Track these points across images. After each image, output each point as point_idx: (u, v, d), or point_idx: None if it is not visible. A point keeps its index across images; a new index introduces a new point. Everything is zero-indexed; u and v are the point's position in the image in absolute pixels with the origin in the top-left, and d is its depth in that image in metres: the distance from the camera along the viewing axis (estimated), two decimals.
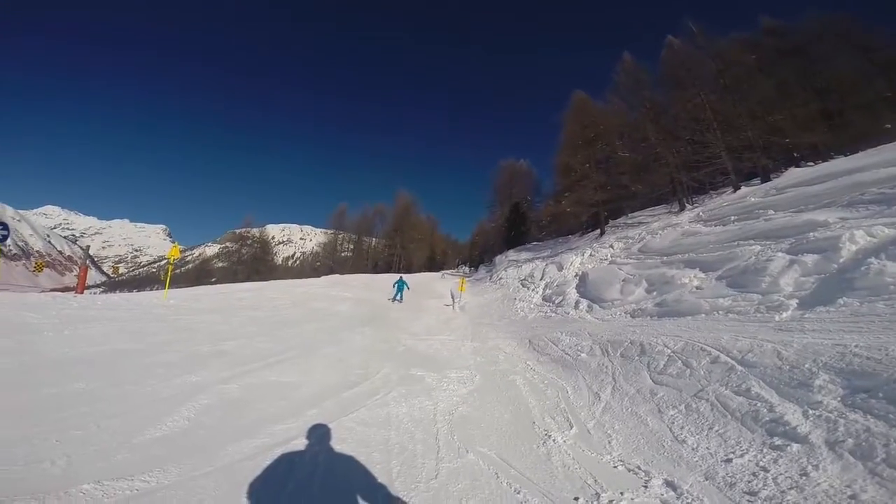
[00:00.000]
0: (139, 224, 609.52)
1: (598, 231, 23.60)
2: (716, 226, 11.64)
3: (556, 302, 12.67)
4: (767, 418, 3.22)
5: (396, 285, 17.61)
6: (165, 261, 15.08)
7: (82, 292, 12.13)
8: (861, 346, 3.53)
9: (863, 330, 4.15)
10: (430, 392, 5.10)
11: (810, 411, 3.08)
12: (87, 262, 17.73)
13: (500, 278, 21.54)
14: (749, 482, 2.66)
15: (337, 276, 32.88)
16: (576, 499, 2.71)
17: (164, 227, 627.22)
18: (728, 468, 2.87)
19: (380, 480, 2.85)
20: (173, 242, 15.25)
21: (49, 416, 3.16)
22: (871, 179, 8.27)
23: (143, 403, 3.68)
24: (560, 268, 16.73)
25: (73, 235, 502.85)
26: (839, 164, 12.12)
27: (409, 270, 50.97)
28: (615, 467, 3.18)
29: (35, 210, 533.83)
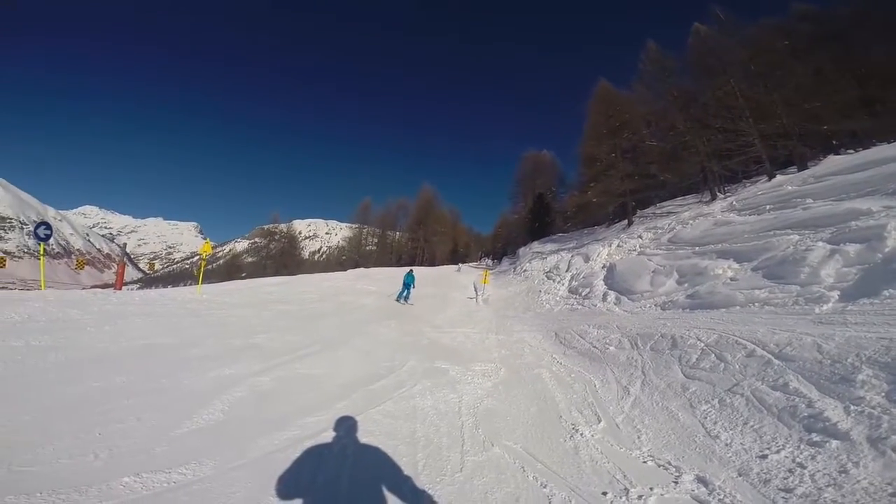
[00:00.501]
0: (172, 222, 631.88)
1: (626, 221, 23.12)
2: (750, 215, 11.24)
3: (583, 294, 12.49)
4: (806, 414, 3.12)
5: (404, 280, 14.89)
6: (198, 257, 15.55)
7: (121, 288, 12.64)
8: None
9: None
10: (454, 385, 5.12)
11: (852, 407, 2.97)
12: (125, 259, 18.45)
13: (525, 270, 21.37)
14: (785, 479, 2.59)
15: (362, 269, 33.27)
16: (604, 493, 2.67)
17: (195, 224, 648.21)
18: (763, 464, 2.79)
19: (406, 473, 2.88)
20: (205, 239, 15.67)
21: (94, 409, 3.30)
22: None
23: (179, 396, 3.81)
24: (587, 259, 16.47)
25: (111, 234, 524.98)
26: (882, 151, 11.51)
27: (432, 263, 51.19)
28: (645, 462, 3.13)
29: (74, 210, 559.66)
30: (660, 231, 15.24)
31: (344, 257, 64.96)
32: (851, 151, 17.43)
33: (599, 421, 3.97)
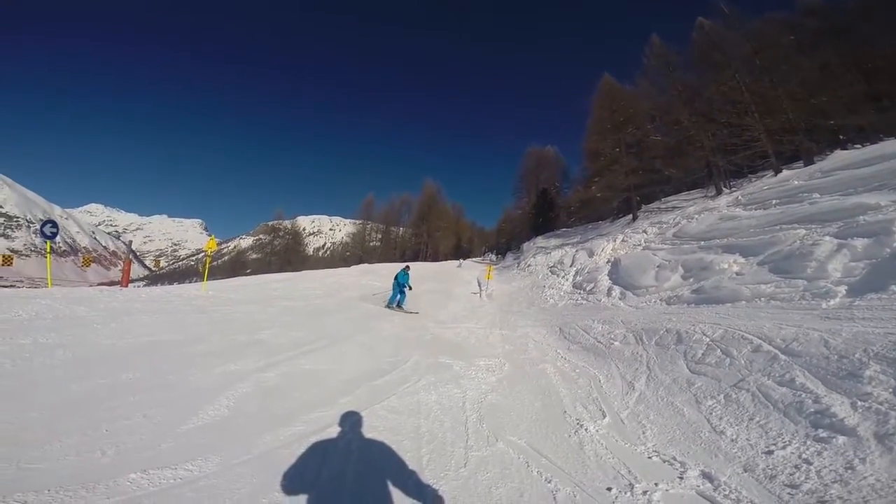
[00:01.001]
0: (177, 219, 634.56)
1: (631, 216, 23.01)
2: (756, 209, 11.15)
3: (588, 289, 12.46)
4: (812, 409, 3.10)
5: (395, 282, 12.17)
6: (203, 253, 15.64)
7: (127, 286, 12.72)
8: None
9: None
10: (458, 380, 5.13)
11: (859, 403, 2.95)
12: (131, 256, 18.57)
13: (529, 265, 21.32)
14: (791, 475, 2.58)
15: (366, 265, 33.36)
16: (608, 489, 2.67)
17: (200, 221, 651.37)
18: (769, 460, 2.78)
19: (410, 468, 2.89)
20: (209, 236, 15.75)
21: (100, 406, 3.33)
22: None
23: (185, 393, 3.84)
24: (591, 254, 16.41)
25: (116, 231, 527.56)
26: (890, 145, 11.38)
27: (435, 258, 51.22)
28: (650, 458, 3.12)
29: (80, 208, 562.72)
30: (665, 226, 15.15)
31: (348, 253, 65.19)
32: (858, 146, 17.27)
33: (604, 416, 3.97)
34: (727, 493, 2.52)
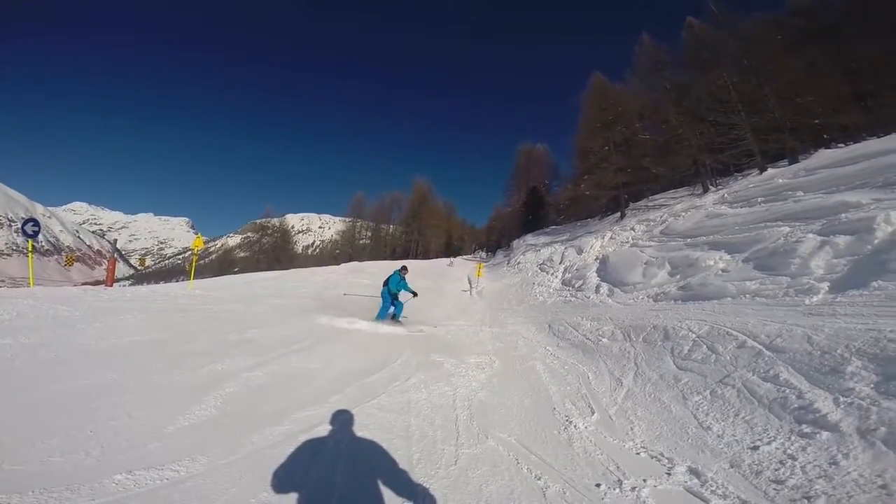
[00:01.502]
0: (163, 217, 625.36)
1: (619, 214, 23.23)
2: (741, 207, 11.32)
3: (576, 286, 12.54)
4: (796, 405, 3.15)
5: (386, 289, 9.56)
6: (190, 252, 15.46)
7: (112, 285, 12.52)
8: None
9: None
10: (449, 378, 5.12)
11: (841, 398, 3.00)
12: (115, 255, 18.27)
13: (518, 263, 21.41)
14: (776, 470, 2.61)
15: (356, 263, 33.22)
16: (598, 485, 2.69)
17: (187, 219, 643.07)
18: (754, 456, 2.82)
19: (401, 466, 2.89)
20: (196, 234, 15.57)
21: (84, 406, 3.27)
22: None
23: (171, 392, 3.79)
24: (580, 251, 16.52)
25: (101, 230, 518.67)
26: (873, 145, 11.61)
27: (426, 256, 51.17)
28: (638, 454, 3.16)
29: (63, 206, 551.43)
30: (652, 223, 15.30)
31: (337, 251, 64.90)
32: (842, 145, 17.59)
33: (593, 413, 4.00)
34: (714, 488, 2.55)
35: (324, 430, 3.34)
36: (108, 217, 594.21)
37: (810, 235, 6.96)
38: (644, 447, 3.24)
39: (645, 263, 10.65)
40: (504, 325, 9.31)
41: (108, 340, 5.08)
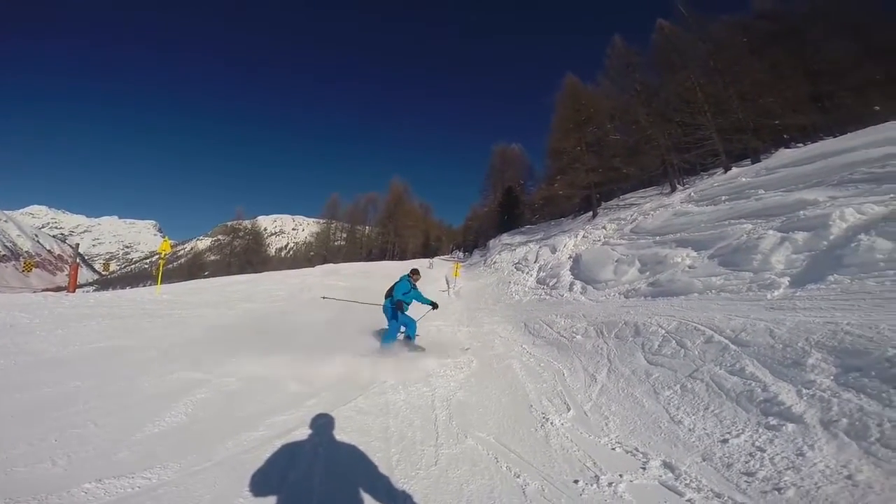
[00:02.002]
0: (129, 220, 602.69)
1: (591, 213, 23.69)
2: (707, 205, 11.70)
3: (551, 284, 12.71)
4: (762, 398, 3.24)
5: (389, 302, 7.14)
6: (157, 256, 14.98)
7: (74, 291, 12.01)
8: (852, 324, 3.56)
9: (853, 307, 4.19)
10: (427, 378, 5.11)
11: (804, 391, 3.10)
12: (78, 260, 17.54)
13: (495, 262, 21.56)
14: (746, 462, 2.68)
15: (331, 265, 32.81)
16: (575, 481, 2.74)
17: (154, 222, 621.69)
18: (725, 449, 2.89)
19: (380, 469, 2.87)
20: (164, 237, 15.10)
21: (47, 415, 3.14)
22: (861, 159, 8.32)
23: (139, 400, 3.67)
24: (553, 250, 16.77)
25: (62, 234, 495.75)
26: (829, 144, 12.17)
27: (403, 257, 50.98)
28: (613, 449, 3.22)
29: (21, 210, 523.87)
30: (623, 222, 15.67)
31: (312, 253, 63.99)
32: (801, 145, 18.36)
33: (569, 409, 4.06)
34: (688, 482, 2.60)
35: (300, 434, 3.29)
36: (70, 220, 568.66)
37: (771, 232, 7.24)
38: (619, 442, 3.30)
39: (616, 261, 10.88)
40: (481, 324, 9.37)
41: (71, 347, 4.89)
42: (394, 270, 26.87)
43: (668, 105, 23.15)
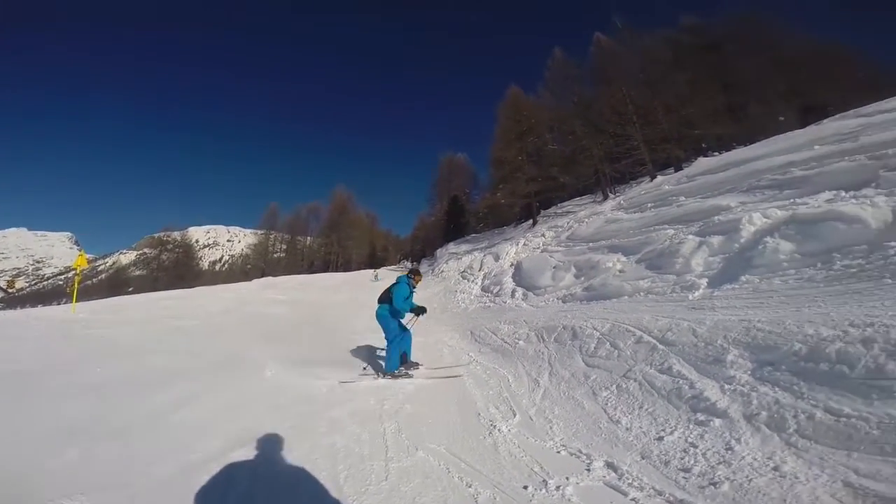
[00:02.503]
0: (40, 232, 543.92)
1: (531, 221, 24.49)
2: (635, 213, 12.46)
3: (495, 292, 12.99)
4: (689, 395, 3.42)
5: (387, 310, 6.32)
6: (73, 272, 13.70)
7: None
8: (763, 321, 3.88)
9: (763, 305, 4.61)
10: (374, 392, 5.05)
11: (726, 386, 3.28)
12: None
13: (442, 271, 21.68)
14: (682, 459, 2.78)
15: (270, 278, 31.57)
16: (525, 487, 2.79)
17: (69, 234, 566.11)
18: (661, 446, 3.00)
19: (326, 487, 2.80)
20: (80, 251, 13.85)
21: None
22: (765, 167, 9.21)
23: (48, 429, 3.33)
24: (497, 258, 17.14)
25: None
26: (740, 153, 13.33)
27: (347, 268, 49.99)
28: (558, 452, 3.31)
29: None
30: (560, 229, 16.33)
31: (249, 266, 61.10)
32: (717, 154, 19.97)
33: (515, 415, 4.15)
34: (630, 481, 2.69)
35: (238, 455, 3.15)
36: None
37: (690, 237, 7.83)
38: (564, 445, 3.41)
39: (554, 267, 11.31)
40: (428, 334, 9.35)
41: None
42: (337, 282, 26.39)
43: (601, 116, 24.44)
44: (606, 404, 3.91)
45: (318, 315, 12.31)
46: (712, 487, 2.44)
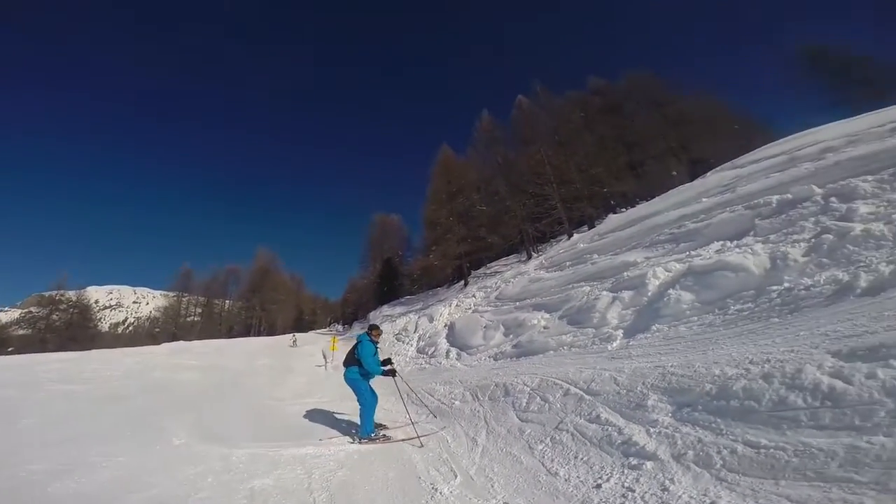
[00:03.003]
0: None
1: (463, 282, 24.91)
2: (555, 271, 13.22)
3: (430, 353, 12.90)
4: (619, 441, 3.56)
5: (356, 371, 6.28)
6: None
7: None
8: (675, 366, 4.23)
9: (674, 351, 5.03)
10: (302, 460, 4.71)
11: (651, 429, 3.46)
12: None
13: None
14: None
15: (182, 342, 28.93)
16: None
17: None
18: (600, 493, 3.05)
19: None
20: None
21: None
22: (663, 222, 10.32)
23: None
24: (431, 319, 17.16)
25: None
26: (641, 209, 14.70)
27: (271, 333, 47.11)
28: None
29: None
30: (489, 289, 16.87)
31: (158, 329, 55.49)
32: (624, 209, 21.77)
33: (456, 476, 4.08)
34: None
35: None
36: None
37: (605, 293, 8.43)
38: (506, 502, 3.40)
39: (484, 327, 11.56)
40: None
41: None
42: (258, 346, 24.69)
43: (522, 177, 25.97)
44: (543, 457, 3.98)
45: (237, 382, 11.38)
46: None
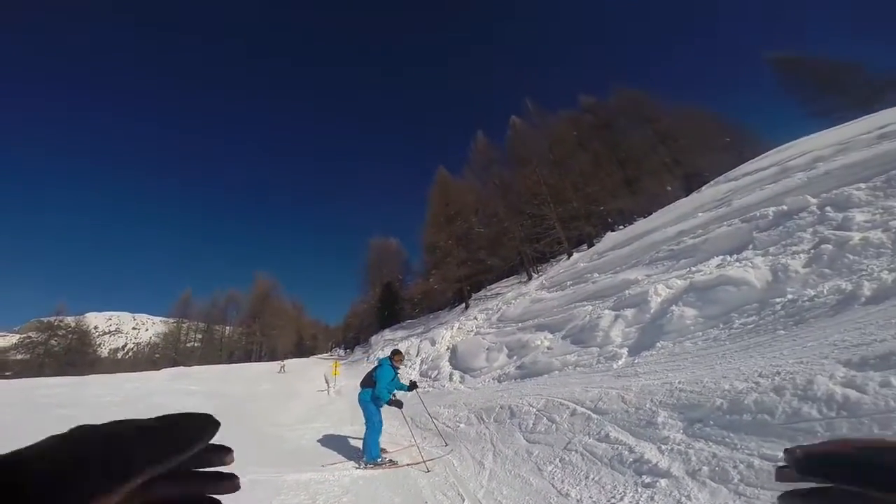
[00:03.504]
0: None
1: (464, 305, 24.75)
2: (557, 291, 13.22)
3: (433, 376, 12.79)
4: (631, 459, 3.49)
5: (370, 394, 6.08)
6: None
7: None
8: (683, 382, 4.21)
9: (680, 367, 5.00)
10: (306, 486, 4.62)
11: (663, 447, 3.41)
12: None
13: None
14: None
15: (182, 368, 28.63)
16: None
17: None
18: None
19: None
20: None
21: None
22: (661, 238, 10.36)
23: None
24: (433, 343, 17.08)
25: None
26: (639, 226, 14.76)
27: (273, 358, 46.68)
28: None
29: None
30: (490, 311, 16.84)
31: (157, 355, 55.03)
32: (622, 227, 21.70)
33: (463, 500, 3.98)
34: None
35: None
36: None
37: (607, 311, 8.43)
38: None
39: (487, 349, 11.51)
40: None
41: None
42: (256, 372, 24.43)
43: (519, 198, 25.97)
44: (553, 478, 3.90)
45: (239, 407, 11.23)
46: None
